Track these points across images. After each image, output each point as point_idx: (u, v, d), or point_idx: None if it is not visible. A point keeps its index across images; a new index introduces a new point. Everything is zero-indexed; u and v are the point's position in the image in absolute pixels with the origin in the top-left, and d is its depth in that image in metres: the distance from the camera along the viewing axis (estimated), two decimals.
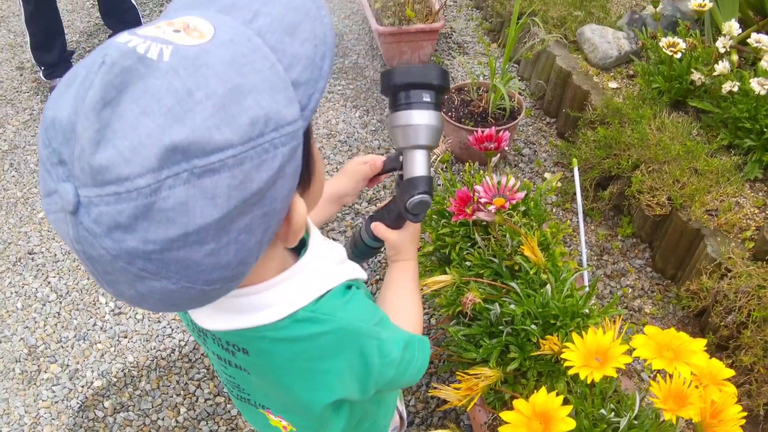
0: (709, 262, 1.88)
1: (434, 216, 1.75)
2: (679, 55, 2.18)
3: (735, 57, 2.28)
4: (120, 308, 2.13)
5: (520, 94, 2.83)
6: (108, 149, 0.49)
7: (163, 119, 0.49)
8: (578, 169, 1.71)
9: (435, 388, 1.31)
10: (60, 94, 0.53)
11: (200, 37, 0.53)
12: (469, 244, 1.67)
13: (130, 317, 2.10)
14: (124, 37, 0.52)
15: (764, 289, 1.78)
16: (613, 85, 2.49)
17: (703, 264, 1.90)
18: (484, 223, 1.49)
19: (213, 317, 0.74)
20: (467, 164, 1.84)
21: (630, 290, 2.08)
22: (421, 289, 1.49)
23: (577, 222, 2.11)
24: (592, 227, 2.26)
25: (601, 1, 2.87)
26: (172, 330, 2.05)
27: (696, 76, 2.20)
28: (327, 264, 0.81)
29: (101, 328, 2.08)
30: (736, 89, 2.07)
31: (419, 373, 0.93)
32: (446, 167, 1.75)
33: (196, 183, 0.50)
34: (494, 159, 1.79)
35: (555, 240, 1.67)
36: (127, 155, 0.49)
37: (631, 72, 2.55)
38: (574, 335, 1.15)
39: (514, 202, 1.47)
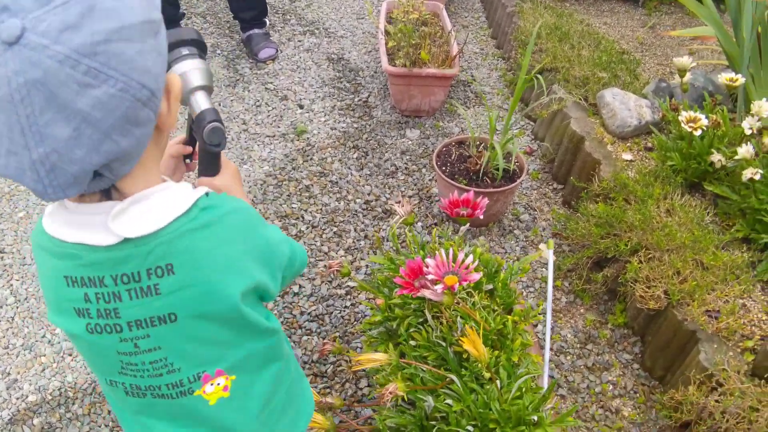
0: (700, 371, 1.65)
1: (388, 283, 1.57)
2: (699, 132, 1.96)
3: (767, 139, 2.05)
4: None
5: (530, 153, 2.63)
6: None
7: None
8: (553, 252, 1.51)
9: None
10: None
11: None
12: (421, 320, 1.48)
13: None
14: None
15: (757, 413, 1.54)
16: (627, 156, 2.27)
17: (693, 372, 1.67)
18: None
19: (143, 222, 0.79)
20: (435, 229, 1.65)
21: (610, 387, 1.84)
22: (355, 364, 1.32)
23: (559, 304, 1.89)
24: (581, 311, 2.04)
25: (630, 65, 2.67)
26: None
27: (716, 157, 1.98)
28: None
29: (49, 342, 1.96)
30: (758, 177, 1.84)
31: (305, 259, 1.09)
32: (410, 229, 1.59)
33: None
34: (463, 228, 1.60)
35: (517, 329, 1.47)
36: None
37: (650, 144, 2.33)
38: None
39: (465, 283, 1.28)
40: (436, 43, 2.82)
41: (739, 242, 1.94)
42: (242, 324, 0.92)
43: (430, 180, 2.51)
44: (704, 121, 1.95)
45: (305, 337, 1.95)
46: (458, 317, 1.39)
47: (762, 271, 1.84)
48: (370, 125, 2.81)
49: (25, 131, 0.64)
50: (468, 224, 1.60)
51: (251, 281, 0.88)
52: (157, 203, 0.80)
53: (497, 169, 2.19)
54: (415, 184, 2.50)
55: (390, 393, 1.21)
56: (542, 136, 2.68)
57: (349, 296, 2.07)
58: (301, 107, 2.92)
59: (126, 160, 0.73)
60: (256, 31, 3.23)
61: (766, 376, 1.60)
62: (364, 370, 1.83)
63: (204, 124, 1.09)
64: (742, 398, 1.56)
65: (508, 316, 1.47)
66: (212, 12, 3.68)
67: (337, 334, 1.96)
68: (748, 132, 1.93)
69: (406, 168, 2.58)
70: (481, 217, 1.60)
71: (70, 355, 1.93)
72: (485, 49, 3.38)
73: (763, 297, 1.80)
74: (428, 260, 1.29)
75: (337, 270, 1.52)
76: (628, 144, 2.35)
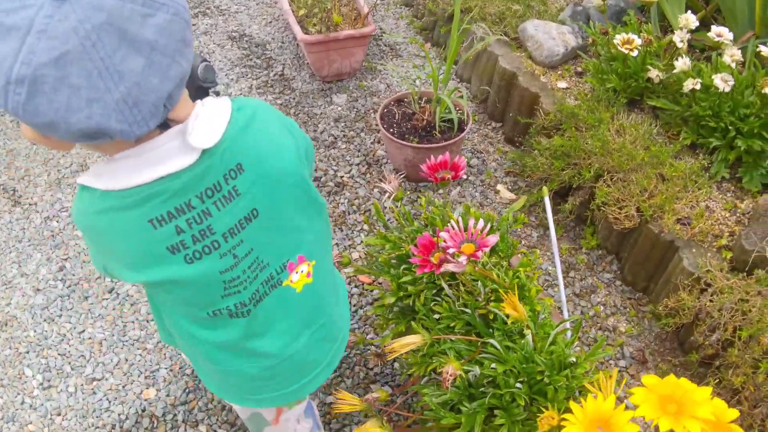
0: (687, 276, 1.76)
1: (393, 261, 1.56)
2: (635, 53, 2.03)
3: (685, 46, 2.15)
4: (48, 381, 1.85)
5: (461, 97, 2.66)
6: None
7: None
8: (549, 199, 1.55)
9: None
10: None
11: None
12: (435, 291, 1.49)
13: (61, 390, 1.82)
14: None
15: (747, 303, 1.66)
16: (562, 84, 2.33)
17: (680, 278, 1.77)
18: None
19: (211, 131, 0.85)
20: (422, 198, 1.65)
21: (602, 308, 1.94)
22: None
23: (531, 240, 1.96)
24: None
25: None
26: (110, 402, 1.80)
27: (654, 73, 2.06)
28: None
29: (31, 406, 1.80)
30: (698, 87, 1.94)
31: (313, 150, 1.14)
32: (399, 204, 1.58)
33: None
34: (453, 192, 1.61)
35: (531, 279, 1.51)
36: None
37: (580, 69, 2.40)
38: (573, 405, 1.02)
39: (487, 249, 1.30)
40: (341, 2, 2.77)
41: (688, 149, 2.05)
42: (309, 200, 1.03)
43: (372, 143, 2.50)
44: (638, 42, 2.02)
45: None
46: (475, 281, 1.42)
47: (715, 172, 1.96)
48: (294, 98, 2.75)
49: (102, 74, 0.68)
50: (459, 187, 1.62)
51: (294, 152, 0.98)
52: (209, 115, 0.86)
53: (445, 122, 2.20)
54: (359, 150, 2.48)
55: (451, 375, 1.22)
56: (467, 77, 2.71)
57: None
58: (218, 95, 2.81)
59: (182, 85, 0.79)
60: None
61: (746, 269, 1.72)
62: (367, 349, 1.84)
63: (196, 64, 1.16)
64: (732, 293, 1.67)
65: (521, 269, 1.50)
66: None
67: None
68: (680, 45, 2.02)
69: (344, 136, 2.55)
70: (464, 177, 1.61)
71: (59, 414, 1.78)
72: None
73: (720, 196, 1.92)
74: (442, 234, 1.30)
75: (337, 261, 1.51)
76: (559, 72, 2.41)
